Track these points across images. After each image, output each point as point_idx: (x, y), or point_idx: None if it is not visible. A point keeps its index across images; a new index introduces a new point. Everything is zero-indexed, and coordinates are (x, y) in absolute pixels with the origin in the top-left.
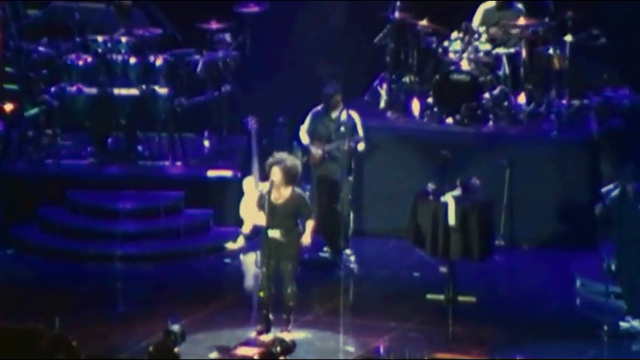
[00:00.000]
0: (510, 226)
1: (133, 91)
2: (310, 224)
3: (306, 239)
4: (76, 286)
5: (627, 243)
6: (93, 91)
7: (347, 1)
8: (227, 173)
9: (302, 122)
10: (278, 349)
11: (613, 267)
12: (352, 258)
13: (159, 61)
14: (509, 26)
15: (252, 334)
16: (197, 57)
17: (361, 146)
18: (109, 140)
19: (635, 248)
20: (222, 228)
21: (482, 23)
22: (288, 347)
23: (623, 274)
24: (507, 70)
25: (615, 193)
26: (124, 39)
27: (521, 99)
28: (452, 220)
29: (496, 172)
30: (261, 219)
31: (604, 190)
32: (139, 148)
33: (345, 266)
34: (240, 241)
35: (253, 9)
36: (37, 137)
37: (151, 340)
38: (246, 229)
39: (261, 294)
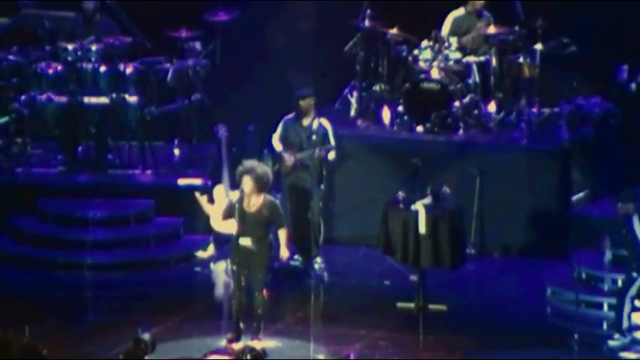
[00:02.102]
0: (481, 235)
1: (103, 100)
2: (284, 235)
3: (284, 252)
4: (45, 295)
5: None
6: (63, 99)
7: (317, 9)
8: (197, 182)
9: (272, 130)
10: (248, 357)
11: (584, 275)
12: (323, 266)
13: (129, 70)
14: (480, 34)
15: (223, 342)
16: (167, 65)
17: (332, 155)
18: (80, 149)
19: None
20: (192, 236)
21: (451, 32)
22: (259, 356)
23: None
24: (477, 79)
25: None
26: (94, 47)
27: (492, 107)
28: (422, 228)
29: (466, 181)
30: (230, 227)
31: (574, 198)
32: (110, 156)
33: (315, 274)
34: (211, 250)
35: (223, 17)
36: (7, 146)
37: (121, 349)
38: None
39: (234, 306)
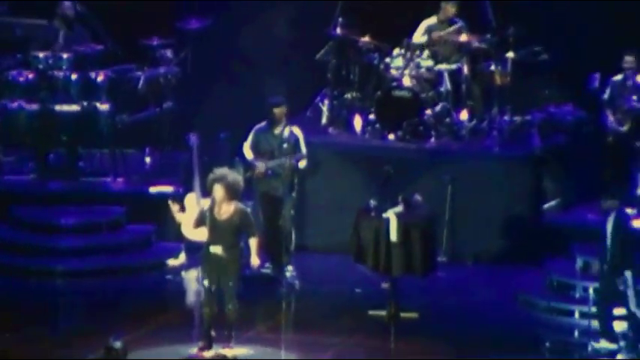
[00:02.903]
0: (453, 242)
1: (75, 108)
2: (255, 243)
3: (255, 260)
4: (17, 302)
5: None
6: (34, 107)
7: (289, 17)
8: (169, 189)
9: (244, 138)
10: None
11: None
12: (294, 274)
13: (100, 78)
14: (450, 38)
15: (194, 350)
16: (139, 73)
17: (303, 163)
18: (51, 156)
19: None
20: (164, 244)
21: (424, 34)
22: None
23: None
24: (449, 87)
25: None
26: (65, 55)
27: (463, 115)
28: (394, 236)
29: (438, 188)
30: (202, 235)
31: (546, 206)
32: (81, 164)
33: (287, 282)
34: (182, 258)
35: (195, 25)
36: None
37: (93, 357)
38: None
39: (205, 314)
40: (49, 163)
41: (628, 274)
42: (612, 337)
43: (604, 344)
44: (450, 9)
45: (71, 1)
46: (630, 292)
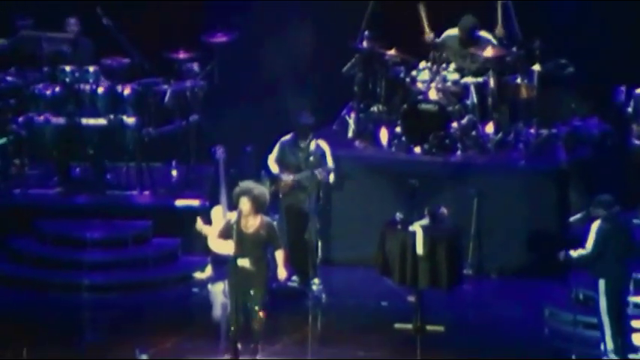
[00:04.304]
0: (478, 256)
1: (101, 121)
2: (281, 255)
3: (282, 273)
4: (43, 316)
5: None
6: (61, 120)
7: (315, 30)
8: (195, 202)
9: (270, 151)
10: None
11: (581, 296)
12: (320, 287)
13: (127, 91)
14: (477, 56)
15: None
16: (165, 86)
17: (330, 176)
18: (77, 170)
19: None
20: (190, 257)
21: (440, 46)
22: None
23: None
24: (475, 100)
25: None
26: (91, 69)
27: (489, 128)
28: (420, 249)
29: (464, 202)
30: (228, 248)
31: (572, 219)
32: (108, 177)
33: (313, 295)
34: (208, 271)
35: (221, 39)
36: (5, 167)
37: None
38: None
39: (232, 327)
40: (75, 177)
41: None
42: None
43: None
44: (467, 27)
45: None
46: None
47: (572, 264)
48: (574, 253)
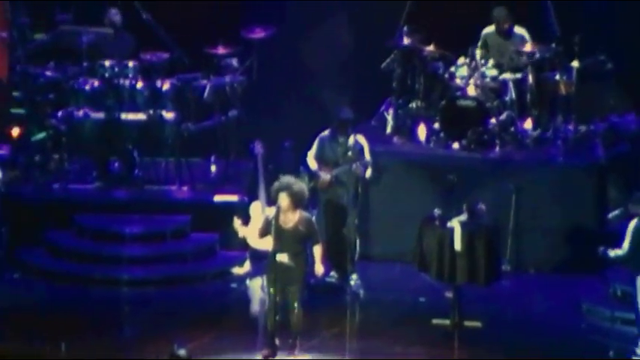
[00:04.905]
0: (516, 251)
1: (141, 116)
2: (319, 251)
3: (319, 268)
4: (81, 310)
5: None
6: (100, 115)
7: (354, 26)
8: (233, 198)
9: (308, 147)
10: None
11: (619, 292)
12: (358, 282)
13: (166, 86)
14: (516, 52)
15: (258, 358)
16: (204, 82)
17: (368, 172)
18: (116, 165)
19: None
20: (228, 252)
21: (482, 47)
22: None
23: None
24: (514, 96)
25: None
26: (131, 64)
27: (528, 124)
28: (458, 245)
29: (502, 197)
30: (266, 244)
31: (610, 215)
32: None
33: (351, 291)
34: (247, 266)
35: (260, 34)
36: (44, 161)
37: None
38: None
39: (270, 322)
40: (114, 172)
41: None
42: None
43: None
44: (502, 16)
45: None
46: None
47: (610, 263)
48: (611, 253)
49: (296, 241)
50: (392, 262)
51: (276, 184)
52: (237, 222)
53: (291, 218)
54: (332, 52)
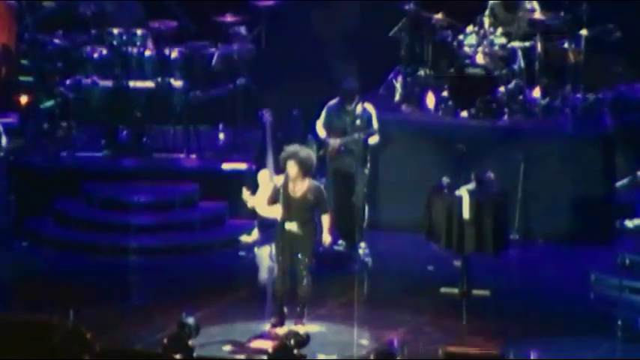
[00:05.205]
0: (525, 220)
1: (149, 84)
2: (327, 219)
3: (326, 238)
4: (90, 279)
5: None
6: (108, 83)
7: None
8: (242, 166)
9: (317, 115)
10: (292, 342)
11: (627, 261)
12: (367, 251)
13: (174, 54)
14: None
15: (267, 327)
16: (212, 50)
17: (374, 139)
18: (125, 133)
19: None
20: (236, 221)
21: (490, 15)
22: (302, 340)
23: None
24: (522, 64)
25: None
26: (139, 32)
27: (536, 93)
28: (466, 213)
29: (511, 166)
30: (275, 212)
31: (618, 184)
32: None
33: (359, 259)
34: (255, 234)
35: (268, 2)
36: (52, 130)
37: (165, 333)
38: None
39: (278, 291)
40: (121, 140)
41: None
42: None
43: None
44: None
45: None
46: None
47: (628, 233)
48: (629, 223)
49: (304, 210)
50: (400, 230)
51: (284, 153)
52: (245, 193)
53: (300, 187)
54: (340, 19)
